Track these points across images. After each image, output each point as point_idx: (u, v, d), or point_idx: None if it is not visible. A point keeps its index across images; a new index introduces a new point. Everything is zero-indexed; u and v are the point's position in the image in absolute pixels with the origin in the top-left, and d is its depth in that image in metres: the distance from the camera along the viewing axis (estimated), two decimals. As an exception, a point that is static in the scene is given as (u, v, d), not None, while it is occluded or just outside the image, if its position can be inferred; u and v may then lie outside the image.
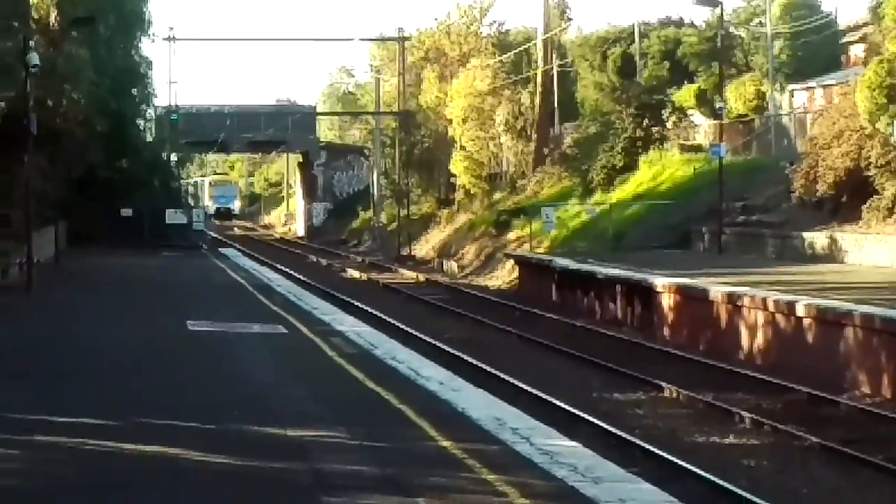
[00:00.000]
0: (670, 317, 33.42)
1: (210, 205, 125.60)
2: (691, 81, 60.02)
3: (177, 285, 38.77)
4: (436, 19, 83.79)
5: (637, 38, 63.50)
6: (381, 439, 14.35)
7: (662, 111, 59.07)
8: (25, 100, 34.99)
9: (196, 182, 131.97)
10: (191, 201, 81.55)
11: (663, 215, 49.71)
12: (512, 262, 51.58)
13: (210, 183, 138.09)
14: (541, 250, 51.10)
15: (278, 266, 56.37)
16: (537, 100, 70.04)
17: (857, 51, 54.49)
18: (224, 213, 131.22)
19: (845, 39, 56.65)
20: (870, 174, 39.02)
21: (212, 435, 14.63)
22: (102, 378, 19.19)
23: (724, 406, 22.64)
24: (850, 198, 40.17)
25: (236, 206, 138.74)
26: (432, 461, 13.26)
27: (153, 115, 71.85)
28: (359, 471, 12.74)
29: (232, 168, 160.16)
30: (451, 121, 72.55)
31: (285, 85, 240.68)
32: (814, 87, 53.49)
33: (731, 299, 29.84)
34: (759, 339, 28.50)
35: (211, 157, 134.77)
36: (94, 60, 49.88)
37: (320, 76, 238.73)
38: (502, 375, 25.55)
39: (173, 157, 72.06)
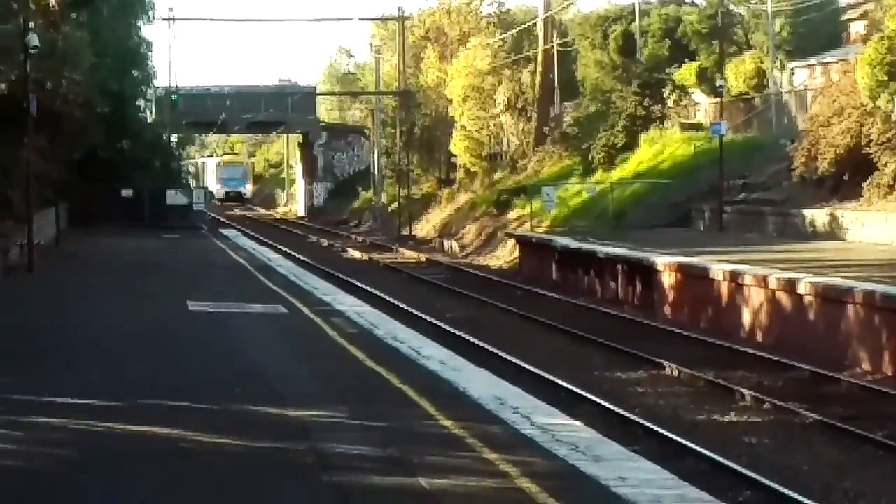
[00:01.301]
0: (671, 295, 33.44)
1: (219, 188, 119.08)
2: (692, 59, 59.94)
3: (177, 266, 38.79)
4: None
5: (637, 17, 63.36)
6: (382, 419, 14.37)
7: (663, 89, 59.01)
8: (25, 81, 34.94)
9: (198, 163, 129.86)
10: (191, 182, 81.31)
11: (664, 194, 49.69)
12: (513, 241, 51.58)
13: (219, 164, 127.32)
14: (541, 229, 51.08)
15: (279, 246, 56.41)
16: (538, 79, 69.97)
17: (857, 28, 54.35)
18: (234, 198, 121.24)
19: (846, 16, 56.54)
20: (870, 151, 38.98)
21: (213, 415, 14.65)
22: (104, 359, 19.21)
23: (725, 384, 22.66)
24: (850, 175, 40.16)
25: (248, 189, 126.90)
26: (433, 441, 13.29)
27: (153, 96, 71.83)
28: (360, 450, 12.76)
29: (232, 149, 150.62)
30: (451, 100, 72.49)
31: (285, 65, 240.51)
32: (814, 65, 53.43)
33: (732, 277, 29.84)
34: (761, 317, 28.52)
35: (211, 137, 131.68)
36: (94, 42, 49.76)
37: (320, 56, 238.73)
38: (503, 355, 25.57)
39: (174, 138, 72.06)
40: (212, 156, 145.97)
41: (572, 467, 12.15)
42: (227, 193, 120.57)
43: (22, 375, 17.39)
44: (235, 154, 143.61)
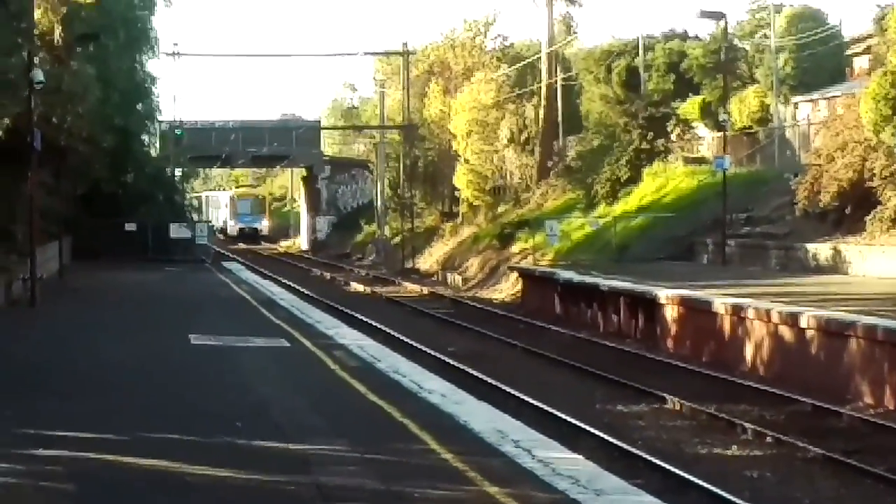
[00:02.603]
0: (673, 328, 33.42)
1: (232, 224, 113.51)
2: (696, 94, 60.05)
3: (180, 300, 38.80)
4: (441, 33, 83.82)
5: (641, 51, 63.53)
6: (383, 452, 14.37)
7: (667, 123, 59.12)
8: (30, 116, 35.04)
9: (208, 197, 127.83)
10: (194, 216, 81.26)
11: (667, 227, 49.72)
12: (516, 274, 51.59)
13: (232, 197, 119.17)
14: (544, 263, 51.11)
15: (282, 280, 56.42)
16: (541, 113, 70.16)
17: (861, 63, 54.52)
18: (250, 235, 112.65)
19: (850, 51, 56.66)
20: (873, 185, 39.03)
21: (215, 448, 14.64)
22: (105, 393, 19.19)
23: (727, 417, 22.65)
24: (853, 209, 40.17)
25: (265, 225, 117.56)
26: (434, 474, 13.27)
27: (158, 130, 71.98)
28: (361, 484, 12.76)
29: (237, 182, 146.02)
30: (455, 135, 72.63)
31: (290, 99, 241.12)
32: (818, 99, 53.52)
33: (735, 311, 29.84)
34: (763, 351, 28.50)
35: (215, 171, 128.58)
36: (99, 76, 49.94)
37: (324, 91, 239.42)
38: (505, 388, 25.57)
39: (177, 172, 72.17)
40: (217, 189, 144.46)
41: (573, 501, 12.13)
42: (241, 230, 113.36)
43: (22, 408, 17.37)
44: (251, 186, 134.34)
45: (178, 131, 73.55)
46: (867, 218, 38.86)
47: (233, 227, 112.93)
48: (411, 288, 57.98)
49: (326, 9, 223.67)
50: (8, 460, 13.73)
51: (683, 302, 32.94)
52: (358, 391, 19.23)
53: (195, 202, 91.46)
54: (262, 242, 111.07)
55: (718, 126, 49.71)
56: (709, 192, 49.58)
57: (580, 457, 14.70)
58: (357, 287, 59.76)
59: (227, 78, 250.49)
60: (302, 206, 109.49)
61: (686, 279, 37.57)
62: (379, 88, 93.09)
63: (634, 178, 57.40)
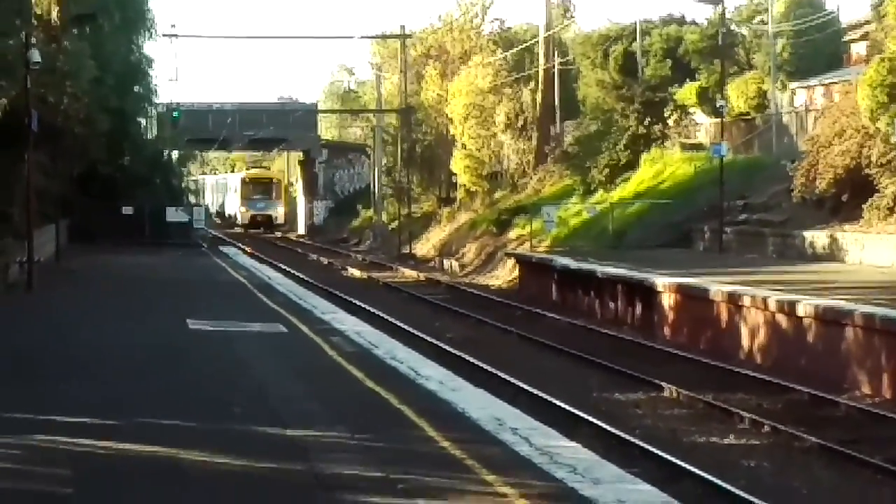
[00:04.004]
0: (671, 316, 33.42)
1: (243, 210, 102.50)
2: (693, 79, 59.95)
3: (177, 284, 38.76)
4: (438, 16, 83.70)
5: (639, 36, 63.45)
6: (380, 439, 14.35)
7: (664, 109, 59.06)
8: (26, 97, 34.96)
9: (207, 180, 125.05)
10: (192, 199, 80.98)
11: (664, 214, 49.72)
12: (513, 261, 51.58)
13: (243, 180, 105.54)
14: (541, 249, 51.10)
15: (279, 265, 56.41)
16: (538, 98, 70.10)
17: (858, 49, 54.48)
18: (263, 222, 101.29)
19: (847, 38, 56.60)
20: (870, 173, 39.02)
21: (212, 434, 14.63)
22: (102, 378, 19.18)
23: (724, 406, 22.66)
24: (850, 197, 40.17)
25: (280, 212, 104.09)
26: (432, 461, 13.26)
27: (154, 112, 71.82)
28: (358, 471, 12.74)
29: (233, 167, 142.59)
30: (451, 119, 72.55)
31: (287, 82, 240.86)
32: (815, 86, 53.46)
33: (732, 299, 29.83)
34: (760, 339, 28.51)
35: (211, 154, 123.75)
36: (96, 58, 49.83)
37: (322, 74, 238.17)
38: (502, 375, 25.58)
39: (174, 155, 72.08)
40: (213, 172, 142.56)
41: (571, 489, 12.11)
42: (252, 217, 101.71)
43: (19, 393, 17.36)
44: (264, 168, 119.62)
45: (174, 114, 73.42)
46: (864, 205, 38.85)
47: (244, 215, 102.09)
48: (408, 273, 57.96)
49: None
50: (5, 446, 13.72)
51: (680, 289, 32.93)
52: (355, 377, 19.21)
53: (192, 185, 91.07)
54: (278, 232, 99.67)
55: (716, 112, 49.62)
56: (706, 178, 49.56)
57: (578, 445, 14.68)
58: (354, 272, 59.76)
59: (225, 60, 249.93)
60: (299, 191, 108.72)
61: (683, 266, 37.56)
62: (376, 72, 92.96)
63: (631, 164, 57.40)
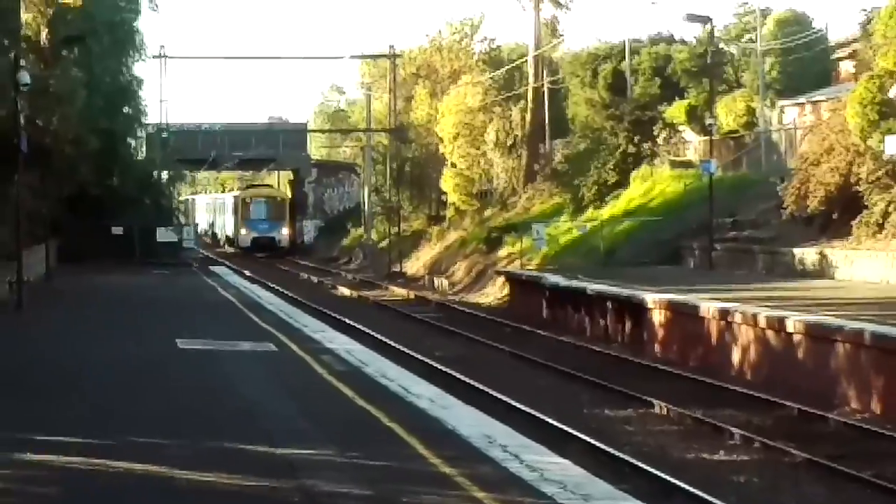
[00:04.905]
0: (660, 333, 33.43)
1: (243, 233, 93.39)
2: (682, 98, 60.12)
3: (167, 303, 38.71)
4: (427, 35, 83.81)
5: (628, 55, 63.59)
6: (370, 457, 14.34)
7: (653, 127, 59.14)
8: (16, 118, 34.95)
9: (200, 200, 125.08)
10: (182, 219, 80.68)
11: (654, 231, 49.73)
12: (503, 278, 51.57)
13: (243, 200, 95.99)
14: (531, 267, 51.11)
15: (269, 284, 56.33)
16: (528, 116, 70.24)
17: (846, 67, 54.61)
18: (266, 245, 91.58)
19: (836, 55, 56.77)
20: (860, 190, 39.06)
21: (201, 452, 14.60)
22: (92, 396, 19.16)
23: (713, 422, 22.67)
24: (840, 213, 40.20)
25: (285, 235, 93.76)
26: (422, 479, 13.24)
27: (144, 133, 71.86)
28: (348, 489, 12.72)
29: (223, 187, 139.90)
30: (441, 138, 72.63)
31: (276, 102, 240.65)
32: (804, 103, 53.57)
33: (722, 315, 29.85)
34: (750, 356, 28.51)
35: (201, 175, 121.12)
36: (86, 79, 49.90)
37: (312, 93, 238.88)
38: (493, 393, 25.56)
39: (164, 175, 72.08)
40: (205, 191, 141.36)
41: (560, 506, 12.13)
42: (255, 240, 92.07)
43: (8, 412, 17.33)
44: (267, 186, 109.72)
45: (164, 134, 73.47)
46: (853, 222, 38.88)
47: (244, 238, 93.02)
48: (398, 292, 57.97)
49: (313, 11, 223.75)
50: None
51: (670, 306, 32.95)
52: (346, 396, 19.19)
53: (182, 206, 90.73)
54: (285, 256, 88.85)
55: (705, 130, 49.72)
56: (695, 195, 49.57)
57: (568, 462, 14.67)
58: (344, 291, 59.75)
59: (214, 81, 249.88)
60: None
61: (673, 283, 37.55)
62: (366, 91, 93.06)
63: (621, 182, 57.43)
